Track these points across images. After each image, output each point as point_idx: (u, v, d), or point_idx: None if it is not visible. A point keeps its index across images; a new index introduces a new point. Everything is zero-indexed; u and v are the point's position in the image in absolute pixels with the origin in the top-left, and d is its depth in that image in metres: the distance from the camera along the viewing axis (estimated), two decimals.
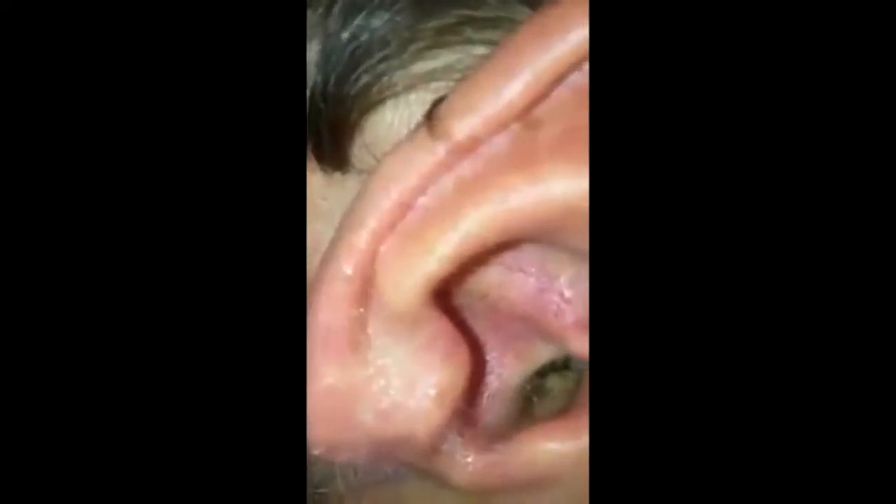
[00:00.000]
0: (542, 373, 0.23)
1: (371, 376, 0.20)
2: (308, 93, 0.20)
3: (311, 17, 0.20)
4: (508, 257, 0.21)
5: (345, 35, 0.20)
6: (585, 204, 0.19)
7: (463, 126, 0.19)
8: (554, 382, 0.23)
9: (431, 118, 0.19)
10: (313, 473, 0.23)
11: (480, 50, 0.20)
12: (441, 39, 0.20)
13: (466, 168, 0.19)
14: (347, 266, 0.20)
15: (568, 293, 0.21)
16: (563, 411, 0.22)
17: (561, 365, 0.23)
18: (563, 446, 0.21)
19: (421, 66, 0.20)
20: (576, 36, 0.18)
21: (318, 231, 0.22)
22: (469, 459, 0.21)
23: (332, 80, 0.20)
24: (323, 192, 0.22)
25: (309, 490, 0.23)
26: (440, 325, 0.20)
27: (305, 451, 0.22)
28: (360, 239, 0.20)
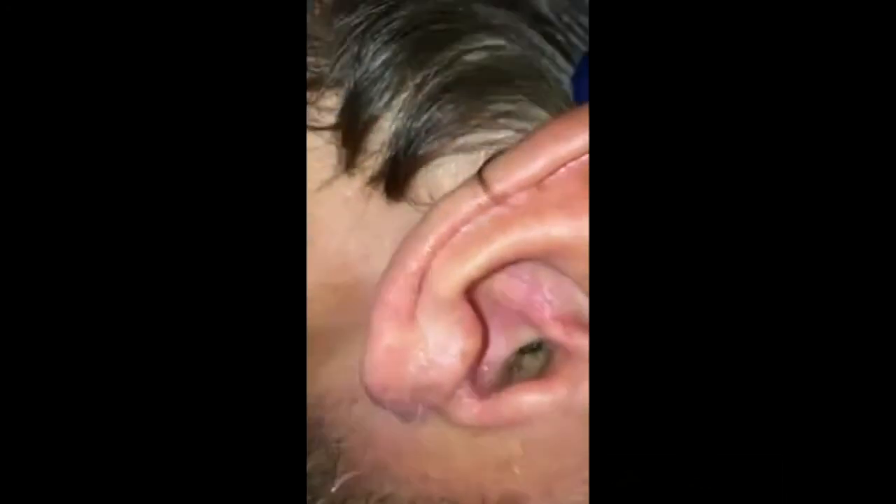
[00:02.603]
0: (522, 352, 0.32)
1: (417, 341, 0.30)
2: (393, 150, 0.30)
3: (400, 96, 0.30)
4: (511, 269, 0.30)
5: (423, 115, 0.30)
6: (573, 243, 0.28)
7: (500, 185, 0.28)
8: (528, 361, 0.32)
9: (481, 175, 0.29)
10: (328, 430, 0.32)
11: (509, 133, 0.30)
12: (484, 123, 0.30)
13: (498, 211, 0.29)
14: (413, 264, 0.29)
15: (549, 296, 0.31)
16: (536, 377, 0.31)
17: (535, 347, 0.32)
18: (535, 398, 0.30)
19: (466, 140, 0.31)
20: (577, 141, 0.28)
21: (365, 241, 0.31)
22: (473, 402, 0.30)
23: (412, 143, 0.30)
24: (379, 214, 0.31)
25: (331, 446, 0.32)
26: (466, 311, 0.30)
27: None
28: (423, 247, 0.29)
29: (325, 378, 0.31)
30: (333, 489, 0.31)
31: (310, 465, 0.31)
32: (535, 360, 0.32)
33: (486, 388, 0.31)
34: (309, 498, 0.31)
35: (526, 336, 0.31)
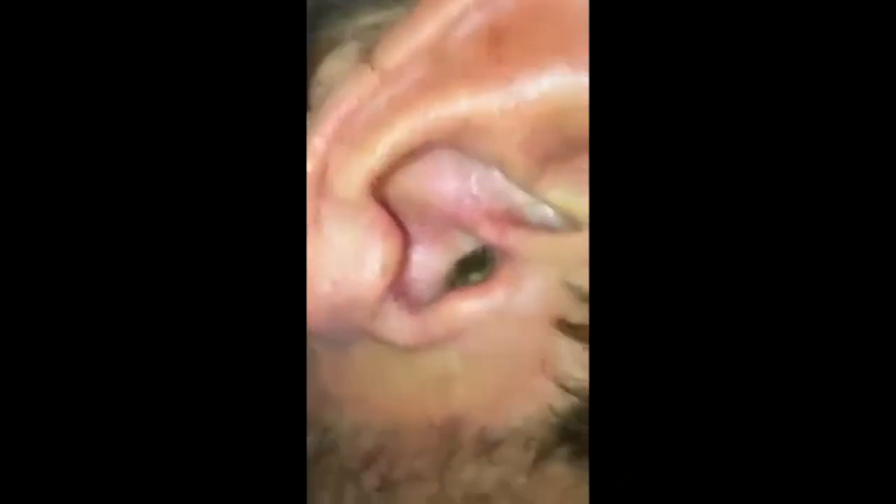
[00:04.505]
0: (466, 266, 0.28)
1: (326, 252, 0.26)
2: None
3: None
4: (430, 166, 0.27)
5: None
6: (478, 117, 0.25)
7: (390, 58, 0.25)
8: (475, 276, 0.28)
9: (369, 55, 0.25)
10: None
11: (401, 10, 0.26)
12: (376, 3, 0.27)
13: (394, 91, 0.25)
14: (309, 165, 0.26)
15: (475, 190, 0.27)
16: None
17: (481, 259, 0.28)
18: (470, 306, 0.27)
19: (358, 22, 0.27)
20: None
21: None
22: (402, 320, 0.27)
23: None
24: None
25: None
26: (378, 213, 0.26)
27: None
28: (319, 145, 0.26)
29: None
30: None
31: None
32: (483, 273, 0.28)
33: (421, 304, 0.27)
34: None
35: (463, 244, 0.28)
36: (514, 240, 0.27)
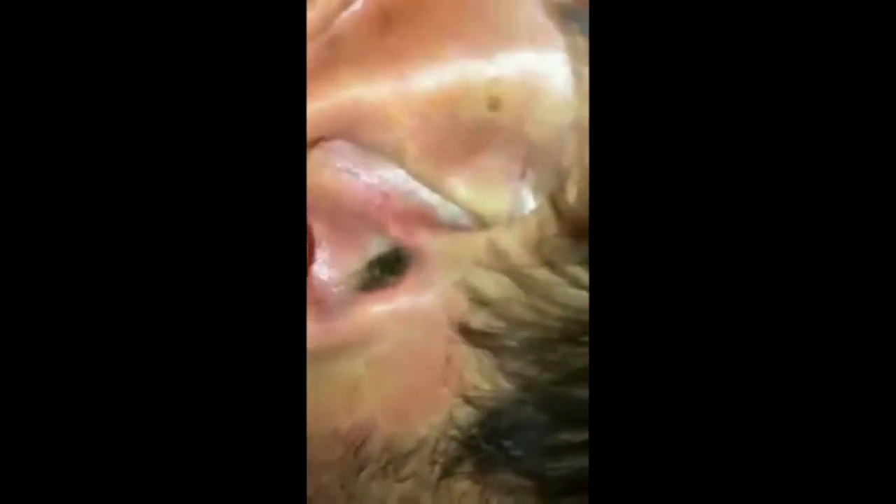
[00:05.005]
0: (382, 268, 0.27)
1: None
2: None
3: None
4: (337, 162, 0.25)
5: None
6: (371, 105, 0.23)
7: None
8: (391, 278, 0.27)
9: None
10: None
11: None
12: None
13: None
14: None
15: (385, 188, 0.25)
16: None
17: (395, 259, 0.27)
18: (375, 310, 0.26)
19: None
20: None
21: None
22: (312, 327, 0.26)
23: None
24: None
25: None
26: None
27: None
28: None
29: None
30: None
31: None
32: (398, 276, 0.27)
33: (332, 310, 0.26)
34: None
35: (376, 245, 0.26)
36: (420, 240, 0.25)
